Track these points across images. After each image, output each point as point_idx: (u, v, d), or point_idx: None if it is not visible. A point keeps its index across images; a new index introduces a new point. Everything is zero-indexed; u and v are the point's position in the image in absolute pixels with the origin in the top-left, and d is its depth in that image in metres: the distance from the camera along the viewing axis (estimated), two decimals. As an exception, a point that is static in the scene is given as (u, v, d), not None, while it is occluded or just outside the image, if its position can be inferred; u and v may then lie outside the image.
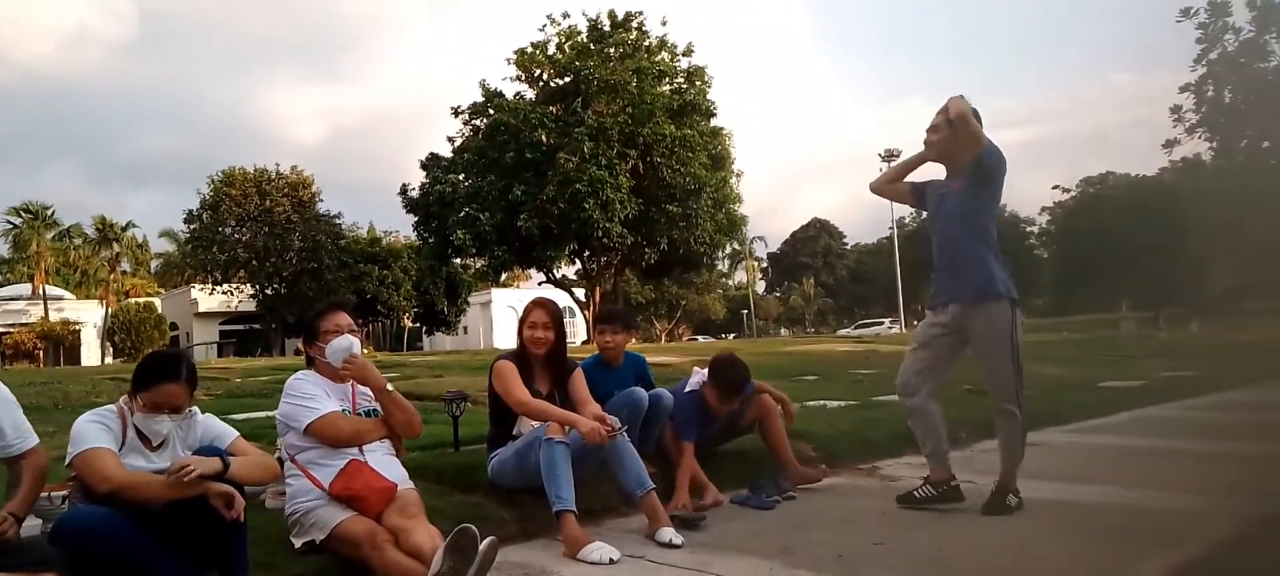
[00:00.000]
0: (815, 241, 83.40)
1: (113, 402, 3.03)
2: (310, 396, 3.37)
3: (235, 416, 6.40)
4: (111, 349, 41.78)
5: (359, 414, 3.44)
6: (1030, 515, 4.10)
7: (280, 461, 3.39)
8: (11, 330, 43.62)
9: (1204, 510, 4.05)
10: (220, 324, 49.88)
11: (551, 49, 33.30)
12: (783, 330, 74.32)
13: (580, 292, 37.16)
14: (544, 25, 33.51)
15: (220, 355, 41.91)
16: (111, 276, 50.25)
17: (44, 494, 3.05)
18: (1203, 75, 32.73)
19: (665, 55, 33.79)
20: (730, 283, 75.78)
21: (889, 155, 56.30)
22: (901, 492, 4.43)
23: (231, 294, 42.79)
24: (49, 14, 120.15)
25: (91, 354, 44.37)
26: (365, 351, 3.59)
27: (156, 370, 2.96)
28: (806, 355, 18.97)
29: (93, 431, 2.84)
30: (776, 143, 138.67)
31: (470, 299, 52.85)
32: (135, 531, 2.65)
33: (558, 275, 37.12)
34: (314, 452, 3.31)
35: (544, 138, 30.98)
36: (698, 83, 33.80)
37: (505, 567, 3.32)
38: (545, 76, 33.49)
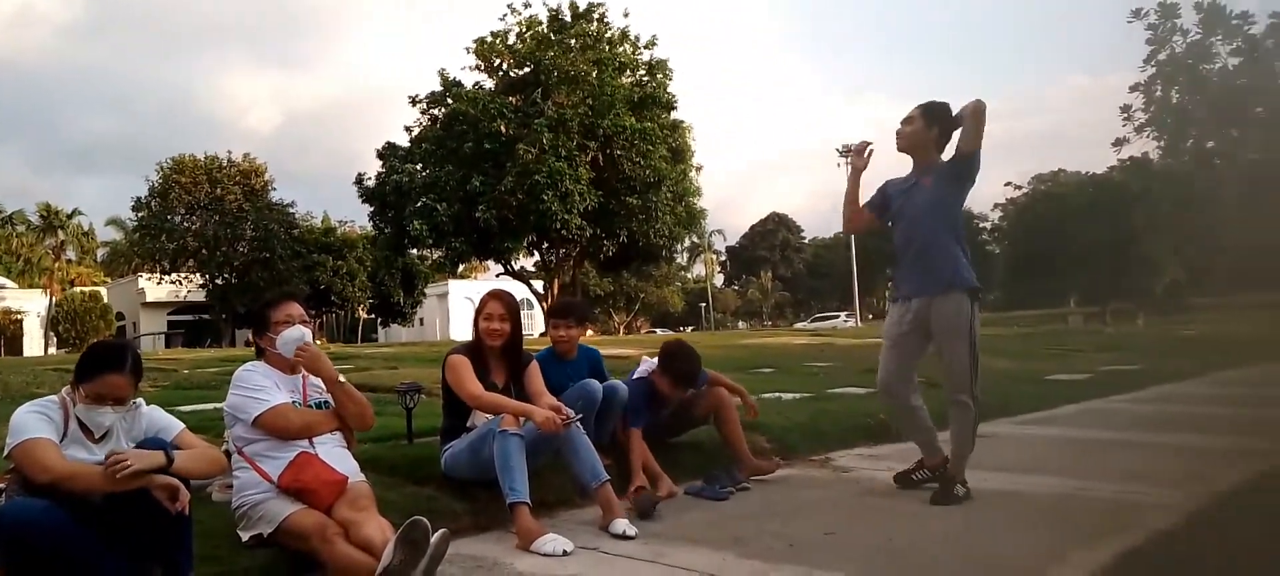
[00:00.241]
0: (773, 235, 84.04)
1: (55, 393, 2.95)
2: (259, 388, 3.31)
3: (182, 408, 6.28)
4: (55, 339, 40.70)
5: (309, 405, 3.39)
6: (978, 505, 4.18)
7: (228, 454, 3.33)
8: (-48, 319, 42.37)
9: (1147, 500, 4.15)
10: (168, 314, 48.90)
11: (511, 39, 33.05)
12: (740, 323, 74.81)
13: (539, 284, 37.02)
14: (504, 14, 33.25)
15: (168, 346, 41.11)
16: (56, 265, 49.05)
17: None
18: (1152, 76, 33.49)
19: (627, 47, 33.73)
20: (689, 276, 76.14)
21: (846, 150, 56.89)
22: (859, 480, 4.48)
23: (180, 283, 41.96)
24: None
25: (34, 344, 43.22)
26: (319, 342, 3.54)
27: (100, 360, 2.89)
28: (763, 348, 19.13)
29: (33, 422, 2.77)
30: (736, 137, 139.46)
31: (427, 290, 52.39)
32: (75, 524, 2.58)
33: (516, 267, 36.93)
34: (263, 444, 3.25)
35: (503, 128, 30.76)
36: (659, 75, 33.80)
37: (458, 560, 3.30)
38: (505, 66, 33.24)
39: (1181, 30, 32.77)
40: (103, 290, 47.88)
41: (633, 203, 31.28)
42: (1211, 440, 6.04)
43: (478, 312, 4.10)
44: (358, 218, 47.14)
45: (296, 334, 3.36)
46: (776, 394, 8.38)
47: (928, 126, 4.39)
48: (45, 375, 10.29)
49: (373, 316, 52.30)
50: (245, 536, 3.16)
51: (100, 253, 65.45)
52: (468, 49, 33.20)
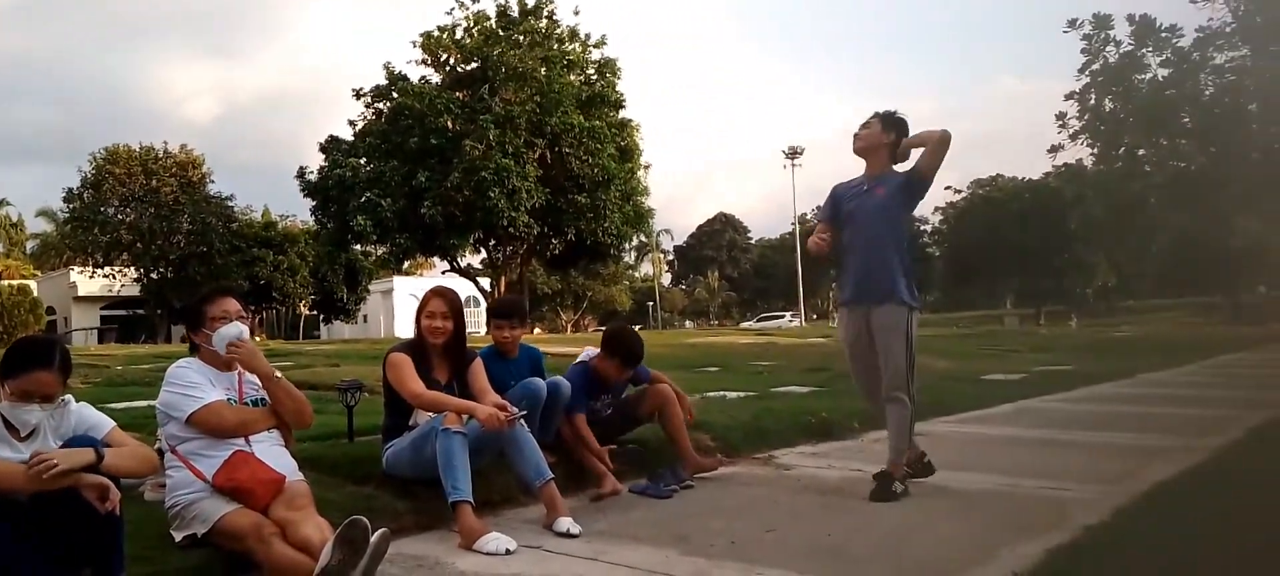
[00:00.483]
0: (720, 235, 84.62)
1: (-23, 391, 2.85)
2: (193, 384, 3.24)
3: (114, 405, 6.11)
4: (-20, 334, 39.15)
5: (246, 403, 3.33)
6: (915, 501, 4.27)
7: (160, 452, 3.26)
8: None
9: (1076, 496, 4.28)
10: (101, 309, 47.44)
11: (459, 33, 32.74)
12: (687, 322, 75.17)
13: (485, 282, 36.76)
14: (451, 9, 32.90)
15: (101, 341, 39.84)
16: (-18, 257, 47.14)
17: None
18: (1086, 84, 34.48)
19: (577, 46, 33.64)
20: (636, 274, 76.23)
21: (793, 151, 57.62)
22: (802, 478, 4.54)
23: (114, 277, 40.75)
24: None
25: (-43, 339, 41.55)
26: (257, 339, 3.48)
27: (26, 356, 2.79)
28: (710, 347, 19.29)
29: (-47, 420, 2.67)
30: (684, 137, 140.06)
31: (371, 287, 51.65)
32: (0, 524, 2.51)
33: (462, 264, 36.62)
34: (197, 443, 3.18)
35: (450, 124, 30.45)
36: (608, 74, 33.78)
37: (398, 559, 3.27)
38: (452, 61, 32.91)
39: (1114, 41, 33.79)
40: (32, 283, 46.12)
41: (581, 201, 31.21)
42: (1139, 438, 6.25)
43: (419, 310, 4.06)
44: (299, 212, 46.28)
45: (233, 330, 3.29)
46: (721, 393, 8.45)
47: (884, 132, 4.53)
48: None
49: (315, 313, 51.37)
50: (178, 536, 3.09)
51: (30, 244, 63.14)
52: (414, 43, 32.82)
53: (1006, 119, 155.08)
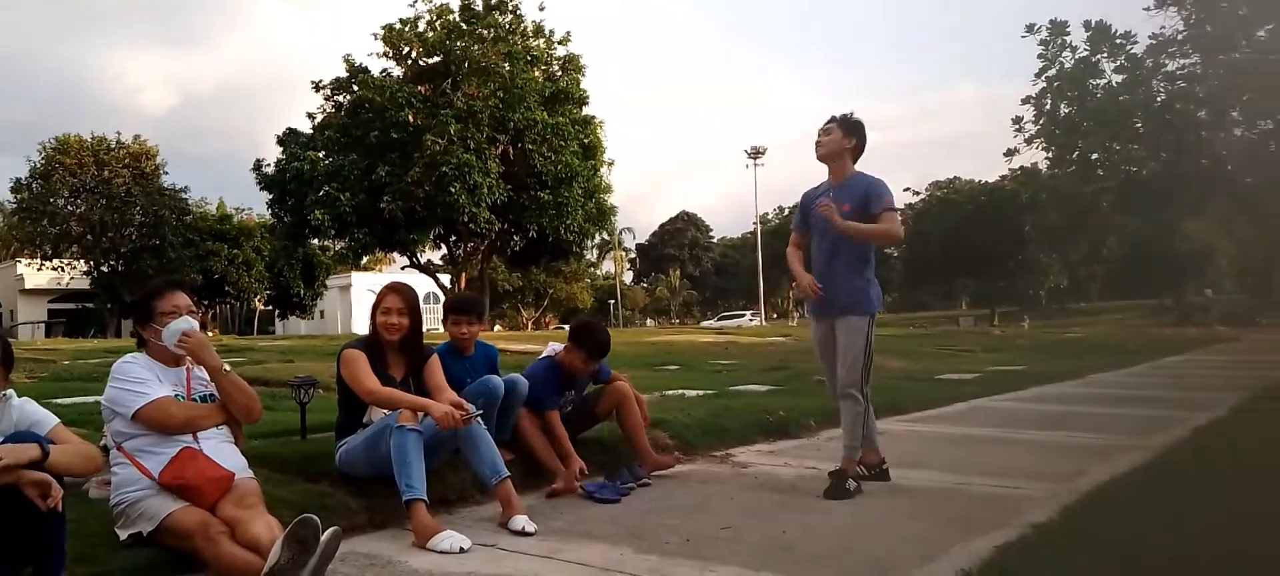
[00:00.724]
0: (682, 234, 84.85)
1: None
2: (140, 380, 3.18)
3: (60, 401, 5.97)
4: (-79, 326, 38.04)
5: (194, 399, 3.27)
6: (869, 499, 4.33)
7: (106, 449, 3.19)
8: None
9: (1025, 494, 4.37)
10: (49, 302, 46.32)
11: (421, 27, 32.45)
12: (649, 320, 75.26)
13: (445, 278, 36.47)
14: (414, 1, 32.62)
15: (48, 335, 38.86)
16: (-76, 247, 45.75)
17: None
18: (1042, 89, 35.11)
19: (541, 42, 33.50)
20: (599, 272, 76.11)
21: (755, 152, 57.93)
22: (758, 476, 4.58)
23: (63, 270, 39.77)
24: None
25: (-103, 331, 40.27)
26: (210, 334, 3.42)
27: (-35, 351, 2.73)
28: (670, 345, 19.33)
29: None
30: (648, 135, 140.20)
31: (328, 282, 51.01)
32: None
33: (422, 260, 36.29)
34: (143, 440, 3.12)
35: (411, 117, 30.18)
36: (572, 71, 33.68)
37: (351, 558, 3.23)
38: (414, 55, 32.61)
39: (1071, 47, 34.45)
40: (-25, 275, 45.01)
41: (543, 198, 31.10)
42: (1087, 438, 6.38)
43: (375, 306, 4.02)
44: (256, 205, 45.56)
45: (183, 325, 3.24)
46: (680, 391, 8.47)
47: (845, 138, 4.61)
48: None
49: (270, 308, 50.61)
50: (123, 535, 3.03)
51: (-27, 236, 61.38)
52: (375, 35, 32.50)
53: (966, 122, 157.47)
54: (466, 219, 29.91)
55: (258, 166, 32.75)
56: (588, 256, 56.41)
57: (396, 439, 3.56)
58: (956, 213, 55.96)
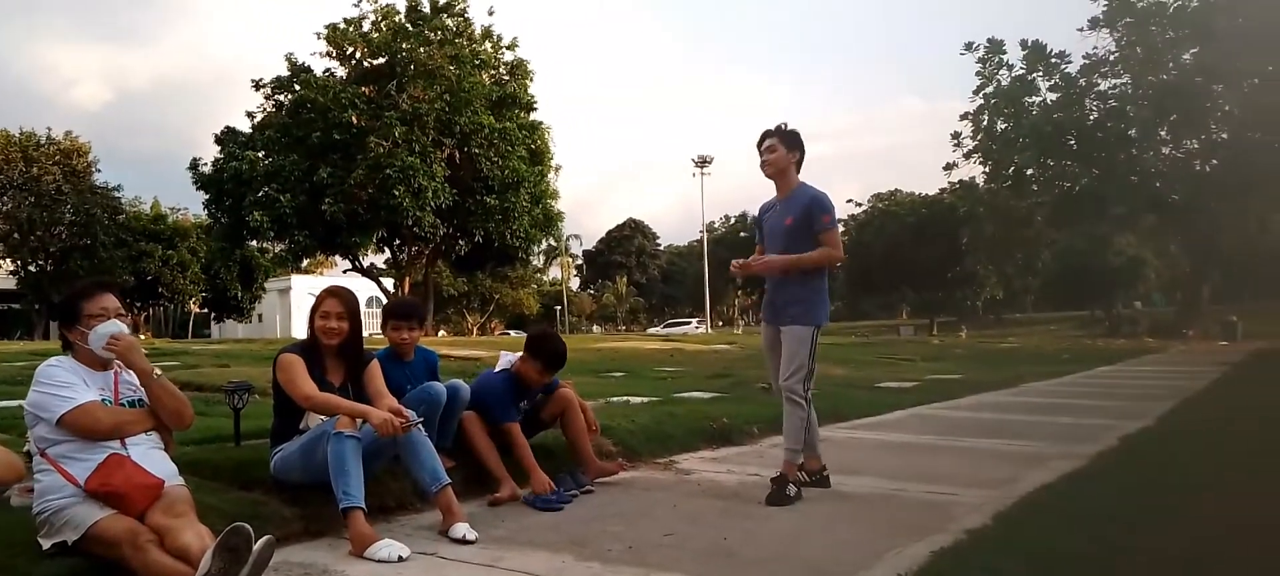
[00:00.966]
0: (629, 241, 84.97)
1: None
2: (65, 384, 3.07)
3: (-21, 406, 5.74)
4: None
5: (122, 404, 3.17)
6: (809, 505, 4.38)
7: (29, 455, 3.07)
8: None
9: (962, 500, 4.45)
10: (-28, 302, 44.57)
11: (366, 27, 32.00)
12: (595, 327, 75.19)
13: (388, 282, 35.98)
14: (359, 1, 32.17)
15: (-31, 337, 37.39)
16: None
17: None
18: (980, 106, 36.00)
19: (489, 46, 33.27)
20: (545, 278, 75.84)
21: (702, 161, 58.31)
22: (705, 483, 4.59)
23: (-13, 269, 38.34)
24: None
25: None
26: (142, 337, 3.31)
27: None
28: (616, 352, 19.33)
29: None
30: (596, 141, 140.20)
31: (267, 285, 49.97)
32: None
33: (365, 263, 35.76)
34: (68, 446, 3.01)
35: (354, 119, 29.71)
36: (519, 76, 33.52)
37: (284, 568, 3.16)
38: (358, 55, 32.14)
39: (1007, 65, 35.40)
40: (-109, 274, 43.07)
41: (490, 202, 30.87)
42: (1021, 445, 6.54)
43: (314, 310, 3.94)
44: (192, 205, 44.45)
45: (111, 328, 3.14)
46: (625, 398, 8.47)
47: (789, 151, 4.70)
48: None
49: (206, 311, 49.39)
50: (47, 544, 2.92)
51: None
52: (319, 34, 31.97)
53: (909, 136, 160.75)
54: (411, 222, 29.55)
55: (194, 165, 31.96)
56: (534, 262, 56.19)
57: (334, 445, 3.49)
58: (897, 224, 57.00)
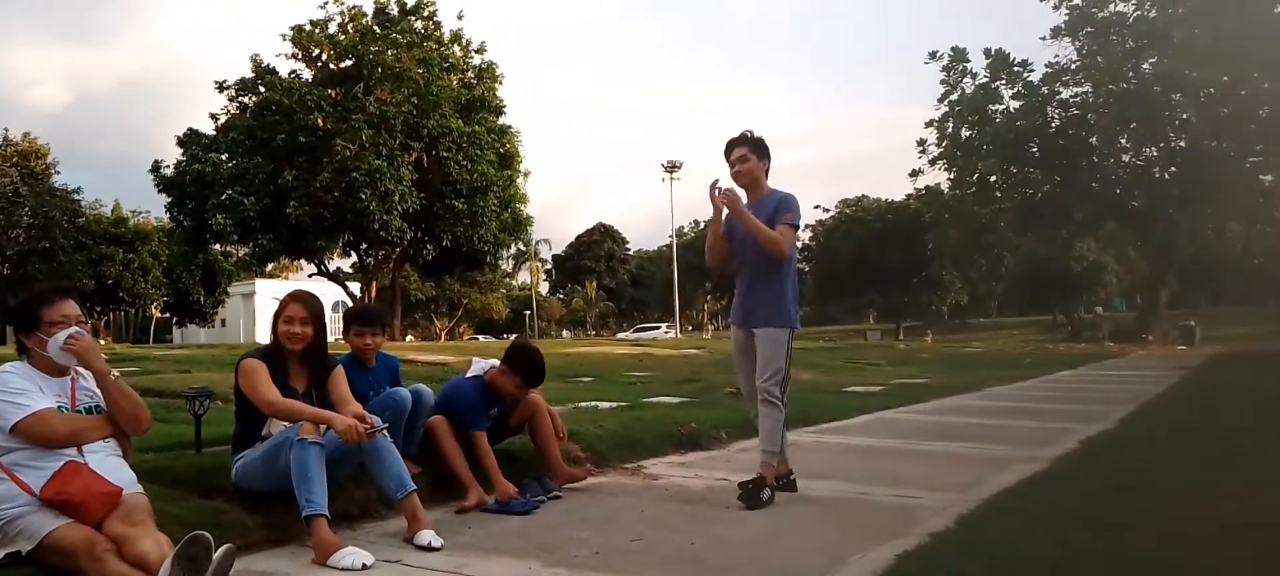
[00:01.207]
0: (599, 246, 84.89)
1: None
2: (20, 391, 3.01)
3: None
4: None
5: (78, 411, 3.11)
6: (777, 509, 4.40)
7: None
8: None
9: (926, 503, 4.50)
10: (-76, 307, 43.40)
11: (333, 29, 31.74)
12: (564, 332, 75.00)
13: (355, 286, 35.64)
14: (325, 2, 31.88)
15: (-79, 342, 36.46)
16: None
17: None
18: (945, 113, 36.45)
19: (458, 49, 33.12)
20: (514, 283, 75.53)
21: (672, 165, 58.51)
22: (670, 488, 4.59)
23: (-61, 273, 37.41)
24: None
25: None
26: (103, 342, 3.25)
27: None
28: (585, 357, 19.27)
29: None
30: (565, 145, 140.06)
31: (231, 289, 49.30)
32: None
33: (331, 267, 35.41)
34: (23, 454, 2.95)
35: (320, 121, 29.44)
36: (488, 79, 33.40)
37: (246, 576, 3.12)
38: (324, 57, 31.86)
39: (971, 73, 35.88)
40: None
41: (458, 206, 30.72)
42: (984, 449, 6.62)
43: (277, 315, 3.89)
44: (153, 208, 43.74)
45: (71, 335, 3.09)
46: (593, 403, 8.46)
47: (759, 160, 4.76)
48: None
49: (168, 315, 48.60)
50: (0, 554, 2.85)
51: None
52: (284, 36, 31.66)
53: (875, 142, 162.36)
54: (377, 226, 29.32)
55: (156, 168, 31.49)
56: (503, 267, 55.98)
57: (297, 452, 3.44)
58: (864, 230, 57.46)
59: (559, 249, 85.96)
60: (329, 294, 33.44)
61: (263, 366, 3.73)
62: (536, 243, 70.65)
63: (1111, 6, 33.47)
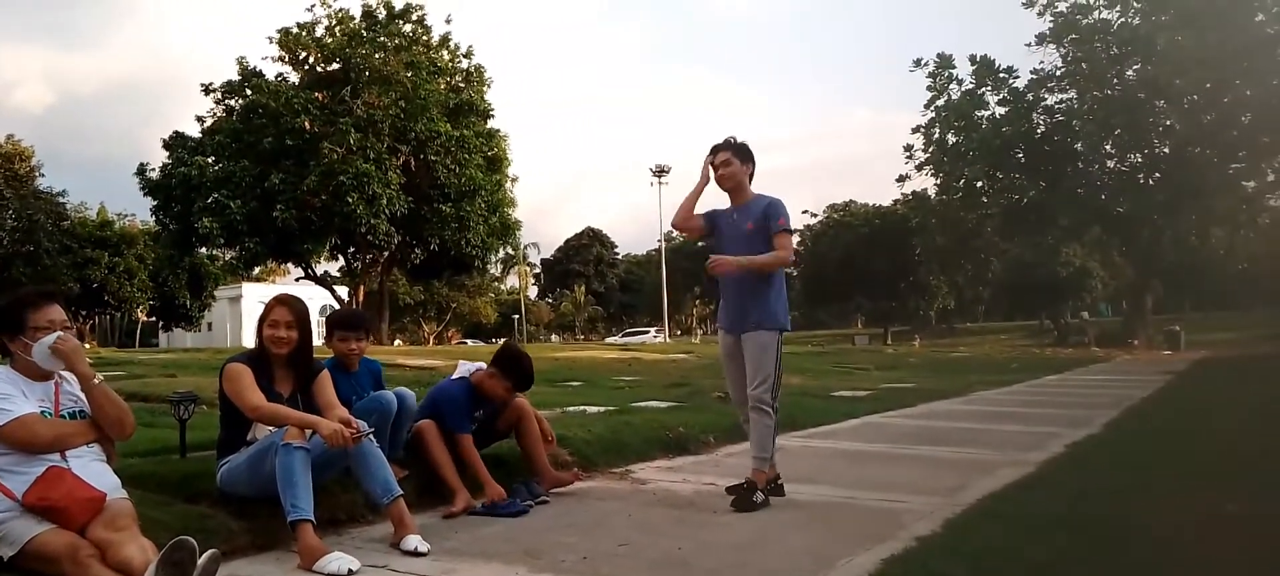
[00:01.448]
0: (588, 250, 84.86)
1: None
2: (3, 396, 2.99)
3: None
4: None
5: (62, 415, 3.09)
6: (764, 514, 4.40)
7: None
8: None
9: (912, 507, 4.51)
10: (-95, 310, 42.97)
11: (320, 32, 31.63)
12: (553, 336, 74.89)
13: (343, 290, 35.50)
14: (313, 5, 31.78)
15: (-98, 346, 36.09)
16: None
17: None
18: (931, 119, 36.61)
19: (446, 53, 33.07)
20: (502, 287, 75.38)
21: (660, 170, 58.62)
22: (655, 494, 4.59)
23: (-79, 276, 37.03)
24: None
25: None
26: (88, 346, 3.23)
27: None
28: (573, 361, 19.25)
29: None
30: (554, 149, 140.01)
31: (217, 293, 49.01)
32: None
33: (318, 271, 35.27)
34: (6, 459, 2.94)
35: (307, 124, 29.33)
36: (476, 82, 33.35)
37: (231, 582, 3.10)
38: (312, 60, 31.75)
39: (957, 80, 36.06)
40: None
41: (446, 210, 30.65)
42: (971, 453, 6.65)
43: (262, 319, 3.87)
44: (139, 211, 43.51)
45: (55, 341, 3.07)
46: (581, 407, 8.44)
47: (743, 164, 4.77)
48: None
49: (154, 319, 48.28)
50: (-18, 560, 2.83)
51: None
52: (271, 38, 31.54)
53: (863, 147, 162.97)
54: (365, 230, 29.23)
55: (142, 171, 31.32)
56: (491, 271, 55.86)
57: (282, 457, 3.43)
58: (852, 235, 57.62)
59: (548, 253, 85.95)
60: (316, 298, 33.32)
61: (247, 371, 3.72)
62: (525, 247, 70.57)
63: (1096, 14, 33.73)
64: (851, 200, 62.81)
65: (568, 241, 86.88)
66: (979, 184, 36.51)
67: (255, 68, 31.46)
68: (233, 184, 29.14)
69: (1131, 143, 34.40)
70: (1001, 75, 35.25)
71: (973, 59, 35.55)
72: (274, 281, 54.57)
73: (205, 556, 2.66)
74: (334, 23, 31.64)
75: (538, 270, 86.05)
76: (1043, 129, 35.43)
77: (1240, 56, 28.28)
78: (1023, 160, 35.67)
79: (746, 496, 4.45)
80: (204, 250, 34.59)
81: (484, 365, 4.86)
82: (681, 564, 3.48)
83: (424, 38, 32.50)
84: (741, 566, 3.45)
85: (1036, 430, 8.11)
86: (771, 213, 4.65)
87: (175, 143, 31.40)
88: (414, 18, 32.38)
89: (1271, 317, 45.98)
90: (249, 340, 43.69)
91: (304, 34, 31.43)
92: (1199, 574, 3.41)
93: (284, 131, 29.10)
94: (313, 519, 3.39)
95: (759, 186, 4.86)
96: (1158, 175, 34.54)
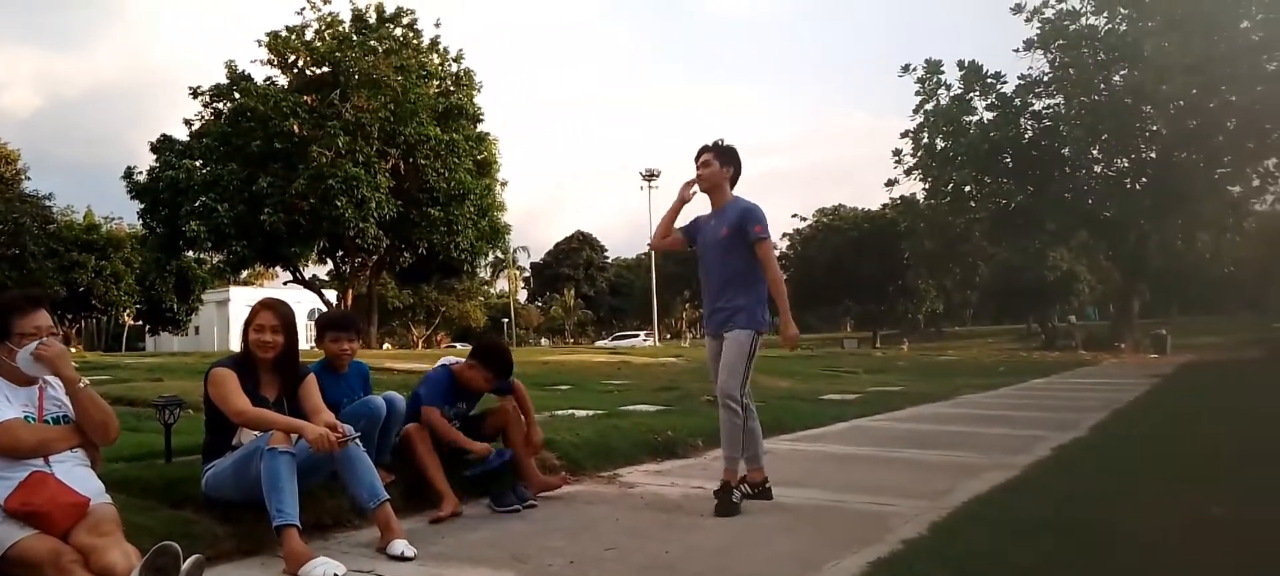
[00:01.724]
0: (577, 254, 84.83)
1: None
2: (-14, 401, 2.96)
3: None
4: None
5: (46, 421, 3.07)
6: (751, 517, 4.41)
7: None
8: None
9: (899, 510, 4.53)
10: (-112, 314, 42.59)
11: (309, 35, 31.55)
12: (543, 340, 74.81)
13: (331, 294, 35.39)
14: (302, 9, 31.71)
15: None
16: None
17: None
18: (920, 124, 36.72)
19: (436, 57, 33.03)
20: (492, 290, 75.25)
21: (650, 174, 58.69)
22: (646, 497, 4.59)
23: (-96, 279, 36.71)
24: None
25: None
26: (73, 350, 3.21)
27: None
28: (562, 365, 19.23)
29: None
30: (543, 153, 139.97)
31: (205, 296, 48.76)
32: None
33: (307, 275, 35.14)
34: (-12, 464, 2.90)
35: (296, 128, 29.27)
36: (466, 87, 33.32)
37: (216, 587, 3.08)
38: (301, 63, 31.67)
39: (945, 85, 36.18)
40: None
41: (435, 214, 30.60)
42: (957, 456, 6.67)
43: (248, 323, 3.85)
44: (126, 215, 43.24)
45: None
46: (570, 411, 8.44)
47: (723, 166, 4.77)
48: None
49: (141, 323, 47.99)
50: (-37, 566, 2.81)
51: None
52: (260, 42, 31.46)
53: (854, 151, 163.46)
54: (353, 233, 29.15)
55: (129, 174, 31.16)
56: (481, 274, 55.77)
57: (267, 462, 3.41)
58: (841, 239, 57.77)
59: (537, 256, 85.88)
60: (304, 302, 33.19)
61: (233, 375, 3.70)
62: (514, 250, 70.51)
63: (1083, 20, 33.91)
64: (841, 204, 63.00)
65: (558, 245, 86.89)
66: (967, 188, 36.61)
67: (244, 71, 31.40)
68: (220, 187, 29.04)
69: (1118, 148, 34.59)
70: (990, 81, 35.40)
71: (961, 64, 35.70)
72: (262, 285, 54.34)
73: (189, 561, 2.64)
74: (323, 26, 31.58)
75: (527, 274, 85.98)
76: (1030, 134, 35.59)
77: (1226, 62, 28.47)
78: (1010, 165, 35.81)
79: (726, 500, 4.46)
80: (191, 254, 34.43)
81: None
82: (669, 567, 3.48)
83: (414, 41, 32.47)
84: (728, 569, 3.45)
85: (1023, 433, 8.14)
86: (747, 220, 4.66)
87: (163, 146, 31.26)
88: (404, 22, 32.34)
89: (1257, 321, 46.32)
90: (236, 344, 43.53)
91: (293, 37, 31.36)
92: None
93: (272, 135, 29.02)
94: (298, 524, 3.37)
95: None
96: (1144, 180, 34.74)
